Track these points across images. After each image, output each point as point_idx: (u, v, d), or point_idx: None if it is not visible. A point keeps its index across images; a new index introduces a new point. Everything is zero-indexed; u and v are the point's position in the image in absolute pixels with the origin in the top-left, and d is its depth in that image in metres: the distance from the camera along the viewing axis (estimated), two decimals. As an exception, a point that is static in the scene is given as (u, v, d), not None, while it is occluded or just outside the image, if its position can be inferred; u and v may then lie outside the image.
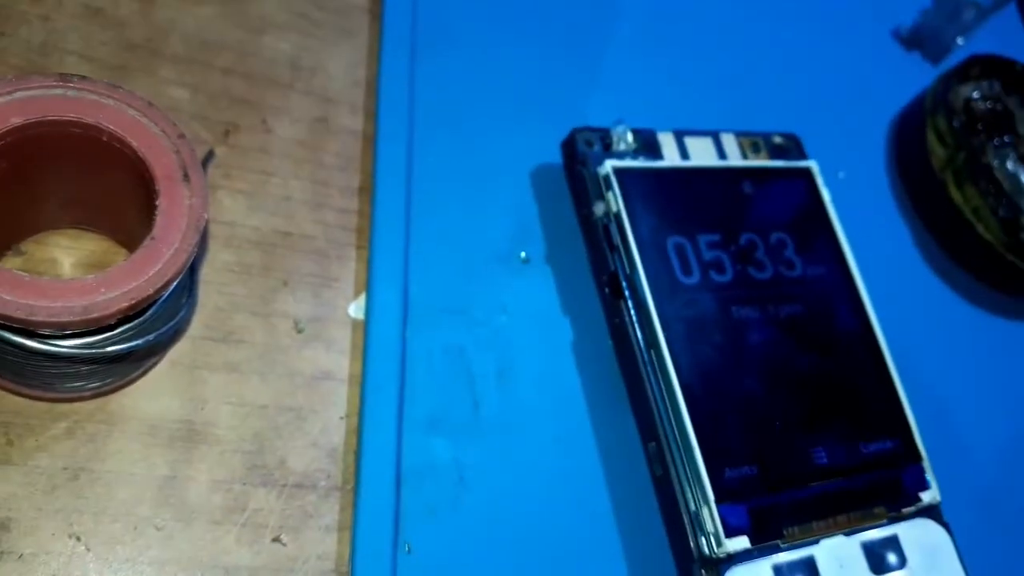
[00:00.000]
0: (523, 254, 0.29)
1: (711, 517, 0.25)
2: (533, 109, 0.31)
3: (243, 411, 0.24)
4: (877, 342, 0.30)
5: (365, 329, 0.26)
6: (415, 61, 0.30)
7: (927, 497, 0.29)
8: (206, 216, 0.21)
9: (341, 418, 0.25)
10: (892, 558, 0.27)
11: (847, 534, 0.27)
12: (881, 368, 0.30)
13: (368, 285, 0.27)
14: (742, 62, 0.38)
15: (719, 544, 0.25)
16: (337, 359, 0.26)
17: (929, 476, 0.29)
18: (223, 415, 0.24)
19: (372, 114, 0.29)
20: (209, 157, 0.26)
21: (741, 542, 0.25)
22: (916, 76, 0.41)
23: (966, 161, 0.38)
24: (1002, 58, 0.41)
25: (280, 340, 0.26)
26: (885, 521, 0.28)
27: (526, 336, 0.28)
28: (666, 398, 0.26)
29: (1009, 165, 0.40)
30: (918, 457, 0.29)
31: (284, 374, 0.25)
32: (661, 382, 0.27)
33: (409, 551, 0.24)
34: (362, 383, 0.25)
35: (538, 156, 0.31)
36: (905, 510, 0.28)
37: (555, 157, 0.31)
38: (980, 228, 0.36)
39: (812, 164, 0.33)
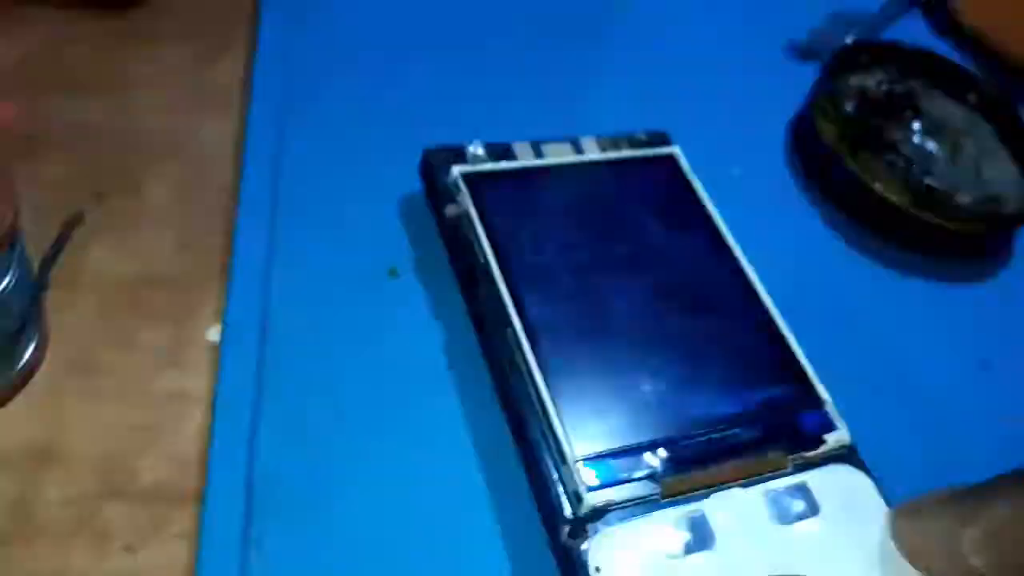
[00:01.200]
0: (391, 270, 0.30)
1: (572, 474, 0.24)
2: (399, 139, 0.32)
3: (98, 432, 0.25)
4: (759, 298, 0.29)
5: (220, 348, 0.27)
6: (284, 112, 0.33)
7: (833, 439, 0.26)
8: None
9: (195, 434, 0.26)
10: (800, 506, 0.25)
11: (745, 485, 0.25)
12: (766, 321, 0.29)
13: (225, 307, 0.28)
14: (634, 78, 0.40)
15: (580, 500, 0.24)
16: (195, 380, 0.27)
17: (835, 419, 0.27)
18: (77, 437, 0.25)
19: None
20: (77, 218, 0.29)
21: (605, 495, 0.24)
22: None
23: (860, 133, 0.38)
24: (886, 42, 0.42)
25: (139, 368, 0.27)
26: (791, 468, 0.26)
27: (395, 345, 0.28)
28: (522, 369, 0.26)
29: (915, 138, 0.39)
30: (819, 402, 0.27)
31: (141, 397, 0.26)
32: (517, 356, 0.26)
33: (259, 554, 0.24)
34: (214, 396, 0.26)
35: (406, 183, 0.32)
36: (809, 454, 0.26)
37: (419, 182, 0.32)
38: (879, 187, 0.36)
39: (674, 149, 0.33)
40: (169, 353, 0.27)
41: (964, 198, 0.37)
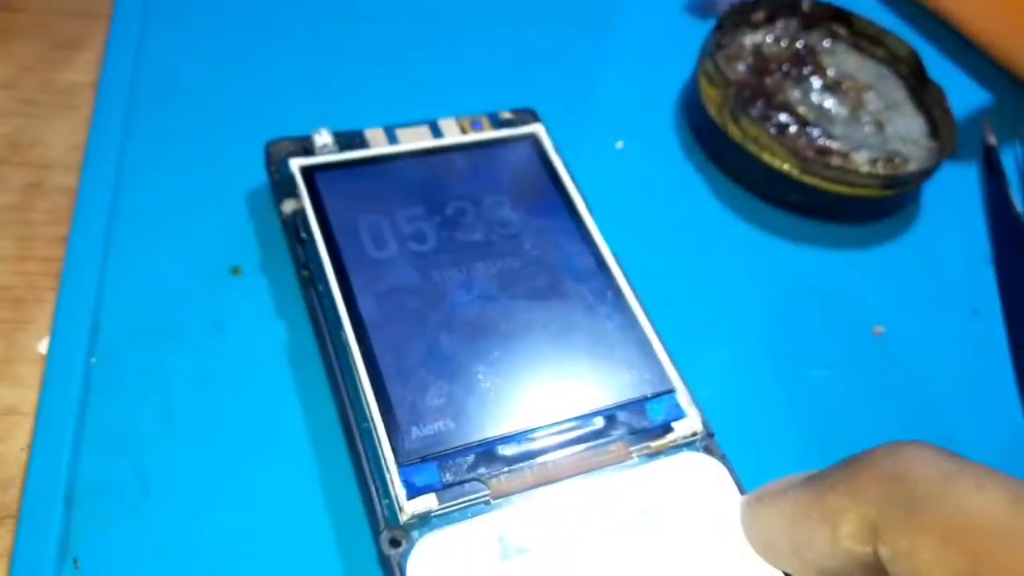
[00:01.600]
0: (235, 268, 0.29)
1: (392, 480, 0.23)
2: (251, 133, 0.31)
3: (-84, 456, 0.24)
4: (615, 282, 0.28)
5: (46, 360, 0.26)
6: (131, 111, 0.32)
7: (682, 427, 0.25)
8: None
9: (21, 449, 0.25)
10: (643, 499, 0.24)
11: (583, 480, 0.24)
12: (619, 307, 0.28)
13: (54, 317, 0.27)
14: (507, 49, 0.38)
15: (400, 508, 0.23)
16: (23, 394, 0.26)
17: (686, 405, 0.26)
18: None
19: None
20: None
21: (427, 502, 0.23)
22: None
23: (749, 97, 0.36)
24: (783, -2, 0.40)
25: (-35, 386, 0.26)
26: (635, 460, 0.25)
27: (233, 346, 0.27)
28: (350, 370, 0.25)
29: (814, 97, 0.38)
30: (668, 389, 0.26)
31: (-35, 416, 0.25)
32: (346, 357, 0.25)
33: (78, 566, 0.23)
34: (37, 411, 0.25)
35: (253, 179, 0.31)
36: (656, 444, 0.25)
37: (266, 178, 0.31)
38: (766, 157, 0.34)
39: (536, 128, 0.32)
40: (0, 367, 0.26)
41: (862, 157, 0.35)
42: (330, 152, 0.29)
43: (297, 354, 0.28)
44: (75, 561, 0.23)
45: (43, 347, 0.27)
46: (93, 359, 0.26)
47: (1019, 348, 0.34)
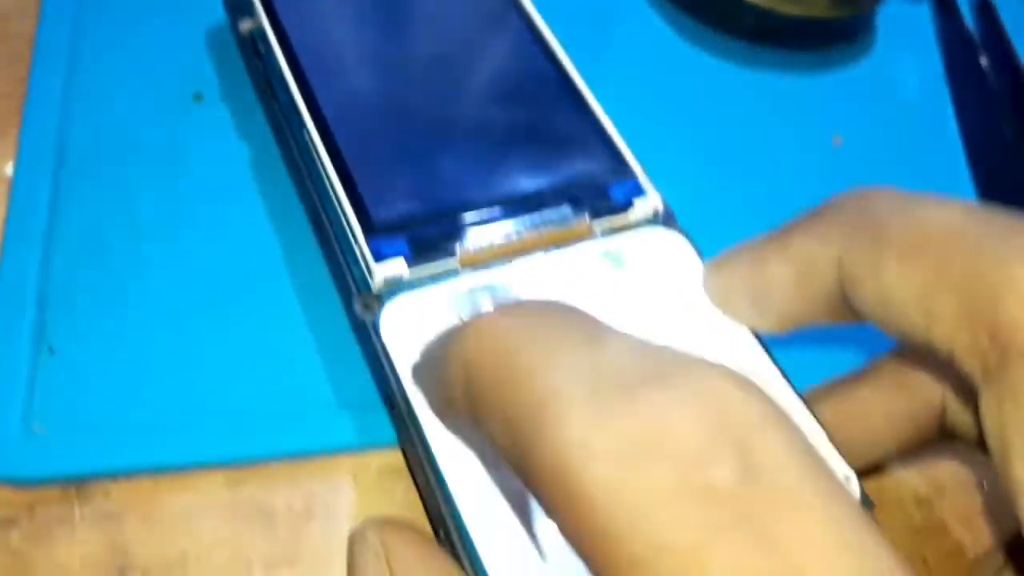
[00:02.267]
0: (196, 95, 0.29)
1: (361, 247, 0.23)
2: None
3: None
4: (574, 84, 0.28)
5: (12, 178, 0.26)
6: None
7: (643, 203, 0.26)
8: None
9: (-9, 263, 0.25)
10: (607, 268, 0.25)
11: (547, 251, 0.25)
12: (579, 105, 0.28)
13: (19, 142, 0.27)
14: None
15: (370, 272, 0.23)
16: (-10, 218, 0.26)
17: (647, 186, 0.26)
18: None
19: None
20: None
21: (396, 267, 0.23)
22: None
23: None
24: None
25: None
26: (598, 234, 0.25)
27: (198, 167, 0.28)
28: (313, 156, 0.25)
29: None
30: (629, 173, 0.27)
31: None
32: (310, 148, 0.26)
33: (52, 353, 0.23)
34: (6, 220, 0.25)
35: (211, 8, 0.31)
36: (618, 219, 0.26)
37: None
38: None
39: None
40: (-35, 193, 0.27)
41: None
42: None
43: (261, 169, 0.28)
44: (50, 349, 0.23)
45: (9, 170, 0.27)
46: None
47: (976, 161, 0.34)
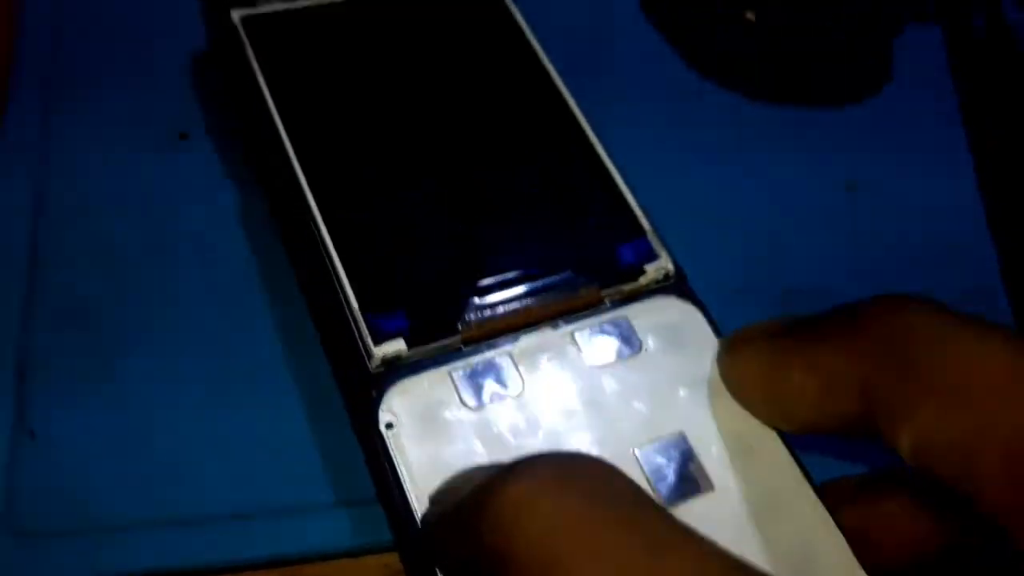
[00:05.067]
0: (182, 133, 0.28)
1: (360, 325, 0.22)
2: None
3: None
4: (581, 131, 0.27)
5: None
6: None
7: (654, 268, 0.25)
8: None
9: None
10: (618, 342, 0.23)
11: (556, 325, 0.24)
12: (585, 154, 0.27)
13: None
14: None
15: (369, 354, 0.22)
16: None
17: (657, 247, 0.25)
18: None
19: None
20: None
21: (396, 346, 0.22)
22: None
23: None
24: None
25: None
26: (607, 304, 0.24)
27: (183, 210, 0.26)
28: (308, 221, 0.24)
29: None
30: (639, 231, 0.25)
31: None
32: (303, 209, 0.24)
33: (34, 438, 0.22)
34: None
35: (193, 37, 0.29)
36: (628, 287, 0.24)
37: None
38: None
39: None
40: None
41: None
42: (274, 1, 0.28)
43: (248, 214, 0.27)
44: (31, 433, 0.22)
45: (-18, 220, 0.26)
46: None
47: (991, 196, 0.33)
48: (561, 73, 0.28)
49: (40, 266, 0.25)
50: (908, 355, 0.17)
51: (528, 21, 0.29)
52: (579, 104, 0.28)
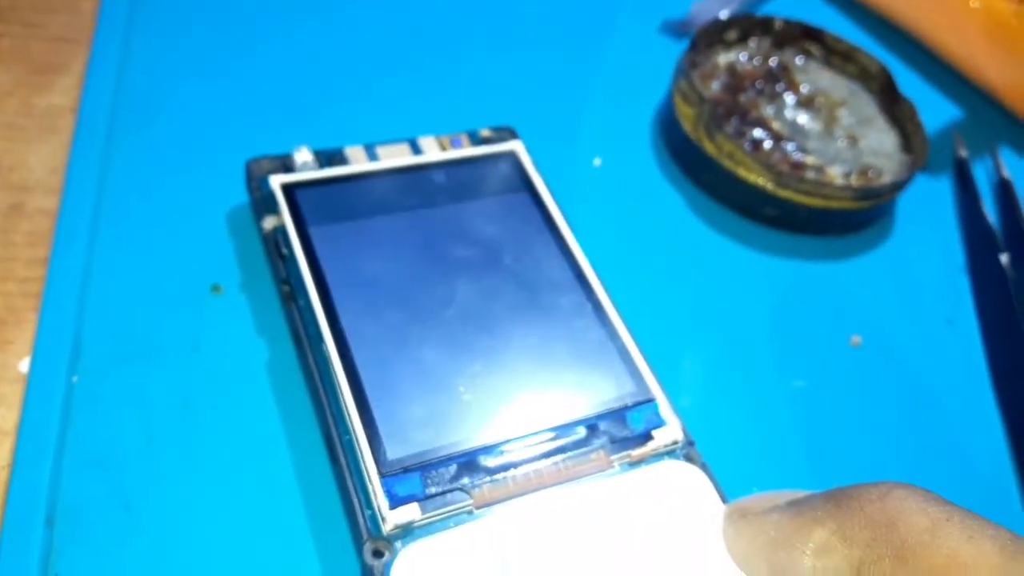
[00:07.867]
0: (215, 286, 0.29)
1: (374, 491, 0.23)
2: (231, 152, 0.31)
3: None
4: (595, 294, 0.28)
5: (28, 379, 0.26)
6: (111, 133, 0.32)
7: (662, 435, 0.26)
8: None
9: (2, 468, 0.25)
10: (626, 506, 0.24)
11: (566, 488, 0.24)
12: (599, 318, 0.28)
13: (36, 337, 0.27)
14: (486, 67, 0.39)
15: (383, 518, 0.23)
16: (4, 413, 0.26)
17: (666, 414, 0.26)
18: None
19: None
20: None
21: (409, 512, 0.23)
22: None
23: (724, 113, 0.37)
24: (757, 15, 0.40)
25: (-55, 405, 0.26)
26: (616, 468, 0.25)
27: (214, 365, 0.27)
28: (332, 382, 0.25)
29: (787, 113, 0.38)
30: (648, 398, 0.26)
31: (-55, 436, 0.25)
32: (328, 370, 0.25)
33: (58, 586, 0.23)
34: (18, 430, 0.25)
35: (234, 197, 0.31)
36: (636, 452, 0.25)
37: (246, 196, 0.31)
38: (741, 172, 0.35)
39: (515, 145, 0.32)
40: (-21, 388, 0.26)
41: (836, 170, 0.36)
42: (310, 169, 0.30)
43: (278, 371, 0.28)
44: (55, 578, 0.23)
45: (24, 367, 0.27)
46: (75, 378, 0.26)
47: (995, 355, 0.34)
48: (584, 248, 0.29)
49: (73, 412, 0.26)
50: (900, 544, 0.18)
51: (545, 180, 0.31)
52: (592, 263, 0.29)
